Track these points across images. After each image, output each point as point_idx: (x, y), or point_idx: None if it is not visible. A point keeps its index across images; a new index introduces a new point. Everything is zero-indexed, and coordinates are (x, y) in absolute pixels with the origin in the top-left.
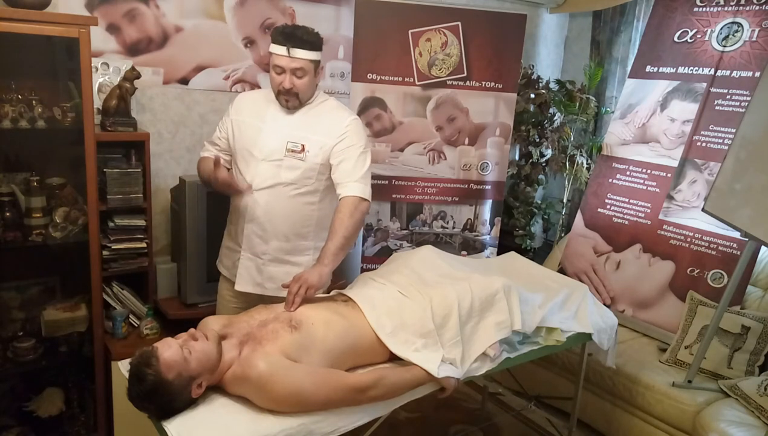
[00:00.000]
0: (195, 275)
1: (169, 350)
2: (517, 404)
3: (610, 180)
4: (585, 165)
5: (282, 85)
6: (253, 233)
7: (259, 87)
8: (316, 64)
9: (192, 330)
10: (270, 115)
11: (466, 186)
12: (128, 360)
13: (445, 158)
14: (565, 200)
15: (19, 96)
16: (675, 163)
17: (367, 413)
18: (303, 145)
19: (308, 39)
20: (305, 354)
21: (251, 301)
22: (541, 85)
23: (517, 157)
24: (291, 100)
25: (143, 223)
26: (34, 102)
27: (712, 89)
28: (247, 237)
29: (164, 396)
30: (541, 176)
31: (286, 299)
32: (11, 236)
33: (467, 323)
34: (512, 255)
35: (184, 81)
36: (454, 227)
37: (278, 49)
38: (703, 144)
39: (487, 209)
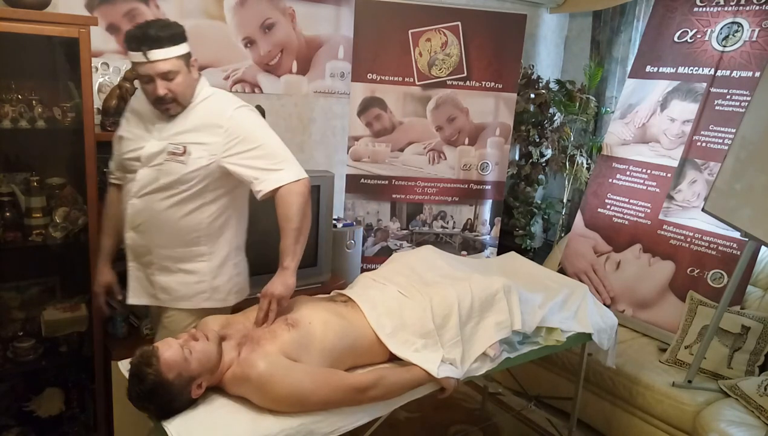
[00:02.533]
0: None
1: (170, 349)
2: (517, 404)
3: (610, 180)
4: (585, 165)
5: (156, 94)
6: (135, 242)
7: (260, 87)
8: (186, 58)
9: (193, 330)
10: (151, 122)
11: (466, 186)
12: (128, 360)
13: (445, 158)
14: (565, 200)
15: (19, 96)
16: (675, 163)
17: (367, 413)
18: (185, 148)
19: (165, 35)
20: (305, 353)
21: None
22: (541, 85)
23: (517, 157)
24: (172, 107)
25: None
26: (34, 102)
27: (712, 89)
28: (130, 247)
29: (164, 396)
30: (541, 176)
31: (256, 318)
32: (11, 236)
33: (467, 323)
34: (512, 255)
35: None
36: (454, 227)
37: (135, 56)
38: (703, 144)
39: (487, 209)
